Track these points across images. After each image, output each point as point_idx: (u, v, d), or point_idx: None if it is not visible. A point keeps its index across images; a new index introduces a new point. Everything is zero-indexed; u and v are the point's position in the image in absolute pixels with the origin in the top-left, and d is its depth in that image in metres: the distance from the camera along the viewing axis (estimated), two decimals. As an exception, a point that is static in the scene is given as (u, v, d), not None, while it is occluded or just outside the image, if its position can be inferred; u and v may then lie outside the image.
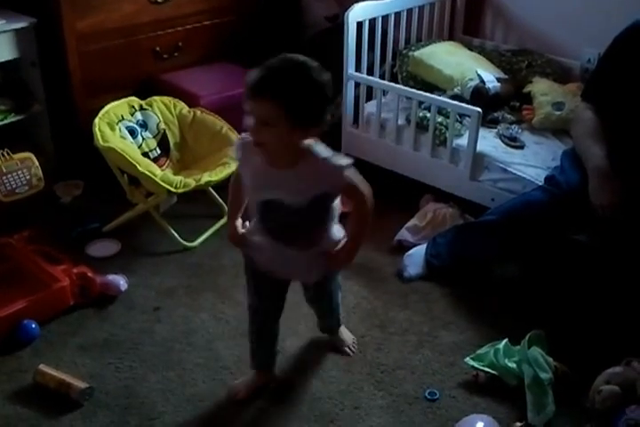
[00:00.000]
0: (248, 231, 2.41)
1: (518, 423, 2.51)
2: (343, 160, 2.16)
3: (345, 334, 2.89)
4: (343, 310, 2.87)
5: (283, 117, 2.00)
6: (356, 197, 2.25)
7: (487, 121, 3.57)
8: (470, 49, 4.00)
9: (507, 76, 3.78)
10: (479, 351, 2.77)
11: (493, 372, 2.70)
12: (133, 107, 3.51)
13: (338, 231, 2.38)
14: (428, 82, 3.84)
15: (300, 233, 2.30)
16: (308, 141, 2.13)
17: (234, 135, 3.52)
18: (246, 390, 2.64)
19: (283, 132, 2.03)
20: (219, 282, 3.24)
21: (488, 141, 3.48)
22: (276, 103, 1.98)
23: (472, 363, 2.73)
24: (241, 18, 4.19)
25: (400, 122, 3.66)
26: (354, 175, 2.20)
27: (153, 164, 3.39)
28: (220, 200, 3.65)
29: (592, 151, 2.84)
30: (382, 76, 3.95)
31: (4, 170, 3.33)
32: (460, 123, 3.51)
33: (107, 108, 3.38)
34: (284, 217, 2.23)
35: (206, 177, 3.29)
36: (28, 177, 3.41)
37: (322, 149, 2.15)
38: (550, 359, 2.69)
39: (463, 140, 3.43)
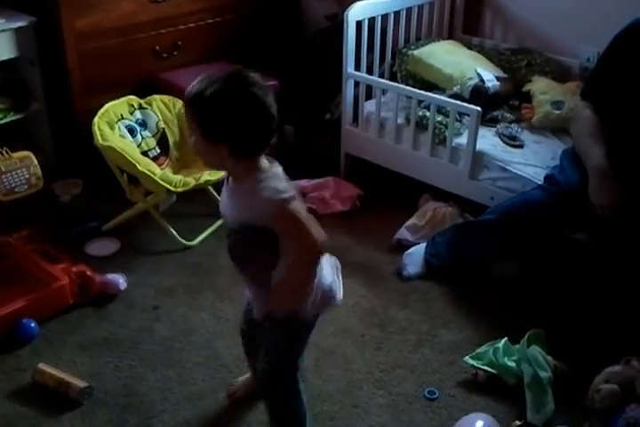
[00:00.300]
0: None
1: (517, 422, 2.51)
2: (286, 191, 1.91)
3: None
4: (343, 309, 2.86)
5: (197, 128, 1.89)
6: (295, 238, 1.95)
7: (486, 120, 3.57)
8: (469, 48, 4.00)
9: (506, 75, 3.78)
10: (478, 350, 2.77)
11: (493, 371, 2.70)
12: (133, 106, 3.51)
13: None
14: (427, 81, 3.84)
15: (242, 259, 2.10)
16: (263, 163, 1.95)
17: (233, 134, 3.52)
18: (245, 389, 2.63)
19: (201, 144, 1.90)
20: (218, 281, 3.24)
21: (487, 140, 3.47)
22: (191, 111, 1.90)
23: (471, 362, 2.73)
24: (240, 17, 4.18)
25: (399, 121, 3.65)
26: (298, 211, 1.92)
27: (152, 163, 3.39)
28: (219, 199, 3.65)
29: (592, 151, 2.83)
30: (382, 75, 3.95)
31: (3, 169, 3.33)
32: (460, 122, 3.51)
33: (106, 107, 3.38)
34: (227, 236, 2.09)
35: (206, 176, 3.29)
36: (27, 176, 3.41)
37: (270, 173, 1.94)
38: (549, 358, 2.69)
39: (462, 139, 3.43)
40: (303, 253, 1.97)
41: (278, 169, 1.97)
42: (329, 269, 2.14)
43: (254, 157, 1.93)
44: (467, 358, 2.75)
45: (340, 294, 2.18)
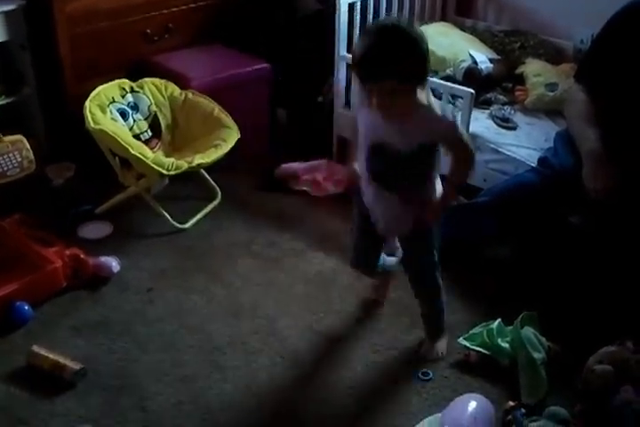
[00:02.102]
0: (357, 174, 2.56)
1: (511, 403, 2.51)
2: (451, 116, 2.41)
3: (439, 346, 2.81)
4: (336, 291, 2.86)
5: (397, 87, 2.19)
6: (461, 148, 2.40)
7: (480, 102, 3.57)
8: (463, 30, 4.00)
9: (499, 57, 3.78)
10: (472, 331, 2.78)
11: (486, 351, 2.70)
12: (124, 89, 3.50)
13: (439, 186, 2.49)
14: (420, 63, 3.82)
15: (402, 178, 2.42)
16: (421, 98, 2.27)
17: (225, 117, 3.52)
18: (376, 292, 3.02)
19: (394, 93, 2.20)
20: (211, 263, 3.24)
21: (480, 122, 3.47)
22: (391, 81, 2.17)
23: (465, 343, 2.74)
24: (231, -1, 4.17)
25: (392, 103, 3.64)
26: (460, 128, 2.42)
27: (144, 146, 3.37)
28: (212, 182, 3.65)
29: (586, 134, 2.82)
30: (374, 58, 3.93)
31: (-4, 152, 3.32)
32: (453, 104, 3.50)
33: (97, 90, 3.36)
34: (390, 161, 2.37)
35: (198, 159, 3.29)
36: (19, 159, 3.39)
37: (433, 106, 2.31)
38: (543, 339, 2.70)
39: (456, 122, 3.42)
40: (467, 158, 2.43)
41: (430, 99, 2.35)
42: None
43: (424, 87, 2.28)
44: (460, 339, 2.76)
45: None
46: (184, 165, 3.24)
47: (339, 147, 3.94)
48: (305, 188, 3.68)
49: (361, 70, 2.23)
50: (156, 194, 3.57)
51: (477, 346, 2.72)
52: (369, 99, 2.27)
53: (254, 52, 4.05)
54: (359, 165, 2.52)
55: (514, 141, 3.35)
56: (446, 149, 2.42)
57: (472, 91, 3.28)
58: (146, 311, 2.97)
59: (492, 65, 3.66)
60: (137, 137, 3.45)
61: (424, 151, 2.36)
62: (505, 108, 3.55)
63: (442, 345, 2.78)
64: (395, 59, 2.16)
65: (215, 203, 3.63)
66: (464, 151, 2.42)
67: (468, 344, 2.74)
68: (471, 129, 3.37)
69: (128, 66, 3.86)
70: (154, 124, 3.58)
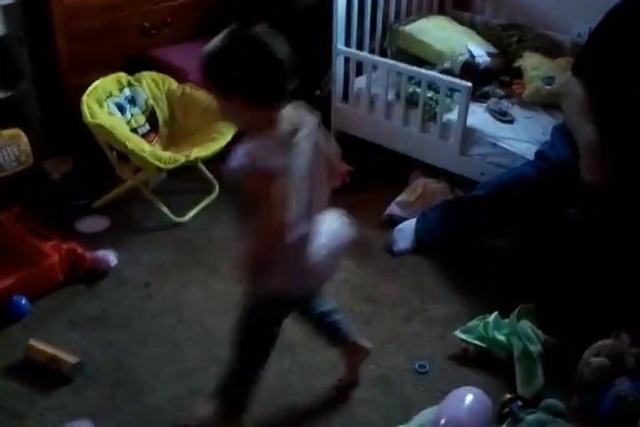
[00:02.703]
0: None
1: (508, 395, 2.53)
2: (274, 162, 1.88)
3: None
4: (332, 285, 2.86)
5: (211, 87, 1.96)
6: (261, 208, 1.91)
7: (477, 96, 3.56)
8: (460, 23, 3.99)
9: (497, 51, 3.78)
10: (469, 324, 2.78)
11: (483, 345, 2.71)
12: (122, 83, 3.50)
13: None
14: (417, 57, 3.82)
15: (238, 216, 2.08)
16: (285, 121, 1.95)
17: (223, 111, 3.52)
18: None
19: (220, 103, 1.98)
20: (209, 257, 3.25)
21: (478, 116, 3.47)
22: (202, 71, 1.97)
23: (461, 336, 2.75)
24: (230, -8, 4.16)
25: (390, 97, 3.64)
26: (274, 188, 1.88)
27: (142, 140, 3.38)
28: (210, 175, 3.65)
29: (583, 127, 2.83)
30: (372, 52, 3.92)
31: (-7, 146, 3.32)
32: (450, 97, 3.50)
33: (95, 84, 3.37)
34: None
35: (195, 153, 3.29)
36: (17, 153, 3.39)
37: (280, 135, 1.93)
38: (540, 332, 2.71)
39: (453, 115, 3.42)
40: (261, 228, 1.94)
41: (294, 136, 1.95)
42: (324, 244, 2.14)
43: (271, 108, 1.93)
44: (457, 332, 2.77)
45: (327, 275, 2.25)
46: (181, 158, 3.24)
47: (336, 140, 3.91)
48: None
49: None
50: (153, 188, 3.57)
51: (474, 339, 2.73)
52: None
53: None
54: None
55: (511, 135, 3.35)
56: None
57: (469, 84, 3.28)
58: (144, 305, 2.98)
59: (489, 59, 3.66)
60: (134, 131, 3.45)
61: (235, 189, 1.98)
62: (502, 101, 3.54)
63: (207, 410, 2.37)
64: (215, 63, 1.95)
65: (213, 196, 3.63)
66: (264, 218, 1.92)
67: (464, 337, 2.74)
68: (469, 122, 3.37)
69: (126, 60, 3.84)
70: (151, 118, 3.58)
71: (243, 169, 1.89)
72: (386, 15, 3.96)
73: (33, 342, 2.68)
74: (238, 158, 1.92)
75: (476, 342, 2.72)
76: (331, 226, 2.21)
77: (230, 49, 1.91)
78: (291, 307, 2.30)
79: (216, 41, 1.94)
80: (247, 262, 2.02)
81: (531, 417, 2.42)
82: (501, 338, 2.69)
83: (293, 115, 1.99)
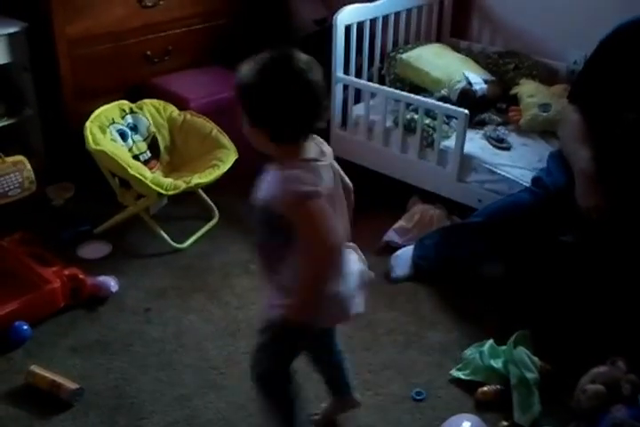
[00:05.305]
0: None
1: (504, 422, 2.54)
2: (304, 187, 1.85)
3: None
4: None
5: (243, 113, 1.90)
6: (305, 236, 1.90)
7: (474, 123, 3.59)
8: (458, 51, 4.02)
9: (494, 78, 3.81)
10: (464, 357, 2.80)
11: (479, 380, 2.72)
12: (124, 110, 3.54)
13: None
14: (415, 84, 3.87)
15: (261, 249, 2.07)
16: (309, 150, 1.94)
17: (223, 138, 3.56)
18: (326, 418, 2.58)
19: (248, 128, 1.91)
20: (208, 283, 3.27)
21: (475, 143, 3.50)
22: (236, 95, 1.89)
23: (457, 375, 2.76)
24: (230, 22, 4.22)
25: (388, 124, 3.68)
26: (314, 210, 1.86)
27: (143, 166, 3.41)
28: (210, 202, 3.69)
29: (579, 154, 2.84)
30: (370, 79, 3.97)
31: (-2, 173, 3.36)
32: (448, 124, 3.54)
33: (98, 111, 3.40)
34: (253, 218, 2.00)
35: (196, 179, 3.32)
36: (20, 180, 3.43)
37: (305, 165, 1.91)
38: (536, 359, 2.71)
39: (450, 142, 3.45)
40: (310, 250, 1.90)
41: (319, 163, 1.93)
42: (351, 279, 2.10)
43: (296, 143, 1.92)
44: (452, 371, 2.77)
45: (354, 310, 2.13)
46: (182, 185, 3.28)
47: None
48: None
49: None
50: (154, 214, 3.60)
51: (470, 376, 2.74)
52: None
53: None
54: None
55: (508, 162, 3.37)
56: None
57: (466, 111, 3.32)
58: (143, 331, 2.99)
59: (486, 86, 3.69)
60: (136, 158, 3.48)
61: (267, 218, 1.94)
62: (499, 128, 3.57)
63: None
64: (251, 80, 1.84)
65: (213, 223, 3.66)
66: (311, 244, 1.89)
67: (461, 376, 2.75)
68: (466, 149, 3.40)
69: (128, 87, 3.91)
70: (153, 145, 3.61)
71: (277, 197, 1.88)
72: (384, 43, 4.01)
73: (34, 368, 2.69)
74: (270, 187, 1.91)
75: (472, 379, 2.73)
76: (355, 261, 2.17)
77: (271, 84, 1.82)
78: (309, 339, 2.19)
79: (256, 67, 1.83)
80: (308, 292, 1.96)
81: (527, 444, 2.43)
82: (498, 366, 2.70)
83: (313, 144, 1.99)
